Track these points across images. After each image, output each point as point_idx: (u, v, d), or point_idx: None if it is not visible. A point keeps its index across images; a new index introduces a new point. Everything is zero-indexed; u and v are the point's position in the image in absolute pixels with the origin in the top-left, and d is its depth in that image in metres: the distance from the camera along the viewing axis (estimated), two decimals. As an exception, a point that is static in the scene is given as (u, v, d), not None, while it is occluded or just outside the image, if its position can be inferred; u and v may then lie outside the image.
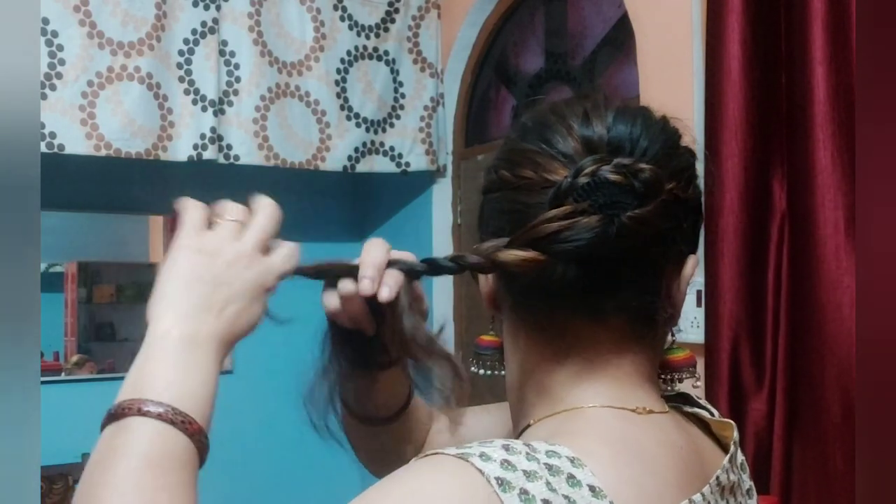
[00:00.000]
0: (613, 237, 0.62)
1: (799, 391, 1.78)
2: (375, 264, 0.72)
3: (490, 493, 0.56)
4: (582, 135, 0.66)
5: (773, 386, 1.84)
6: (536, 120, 0.69)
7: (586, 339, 0.68)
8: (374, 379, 0.84)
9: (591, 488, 0.59)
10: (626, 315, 0.67)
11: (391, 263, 0.73)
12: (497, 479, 0.57)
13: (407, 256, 0.75)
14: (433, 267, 0.72)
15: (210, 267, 0.69)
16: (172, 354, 0.65)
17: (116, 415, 0.63)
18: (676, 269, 0.69)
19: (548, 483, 0.57)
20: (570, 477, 0.59)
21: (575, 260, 0.64)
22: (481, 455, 0.58)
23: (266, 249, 0.72)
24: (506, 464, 0.58)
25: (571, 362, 0.68)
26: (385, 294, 0.71)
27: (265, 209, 0.75)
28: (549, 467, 0.59)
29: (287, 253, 0.73)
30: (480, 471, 0.57)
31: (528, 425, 0.69)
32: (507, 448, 0.59)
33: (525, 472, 0.58)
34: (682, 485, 0.64)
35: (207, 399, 0.65)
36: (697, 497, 0.64)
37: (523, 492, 0.56)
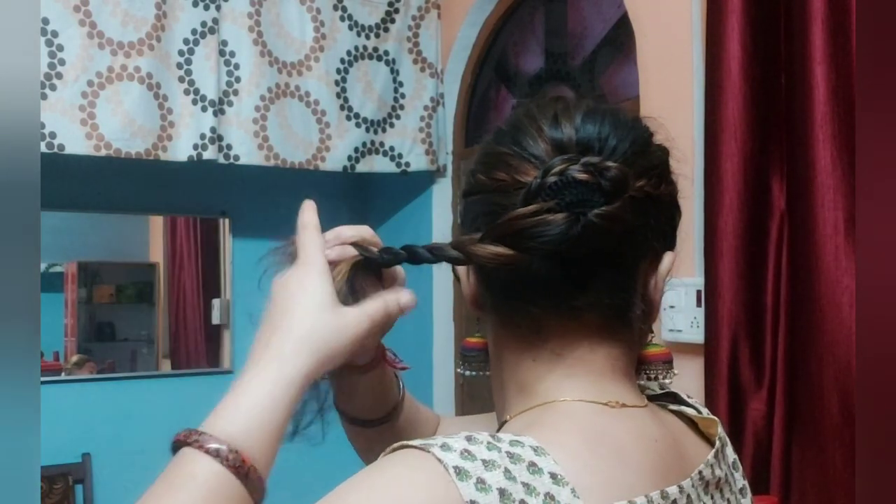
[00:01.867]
0: (580, 234, 0.64)
1: (798, 391, 1.78)
2: (336, 234, 0.77)
3: (448, 481, 0.57)
4: (551, 136, 0.68)
5: (772, 386, 1.84)
6: (510, 123, 0.71)
7: (560, 335, 0.69)
8: (358, 379, 0.86)
9: (553, 475, 0.60)
10: (599, 311, 0.68)
11: (376, 257, 0.75)
12: (455, 468, 0.58)
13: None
14: (413, 256, 0.73)
15: (268, 314, 0.71)
16: (240, 390, 0.67)
17: (178, 441, 0.64)
18: (652, 266, 0.71)
19: (506, 471, 0.59)
20: (532, 465, 0.60)
21: (548, 257, 0.65)
22: (442, 445, 0.60)
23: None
24: (465, 453, 0.59)
25: (546, 358, 0.70)
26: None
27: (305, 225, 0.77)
28: (511, 455, 0.60)
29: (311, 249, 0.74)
30: (440, 460, 0.59)
31: (506, 420, 0.71)
32: (469, 439, 0.61)
33: (484, 461, 0.59)
34: (657, 477, 0.65)
35: (270, 424, 0.66)
36: (673, 489, 0.65)
37: (480, 481, 0.58)
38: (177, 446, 0.64)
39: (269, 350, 0.68)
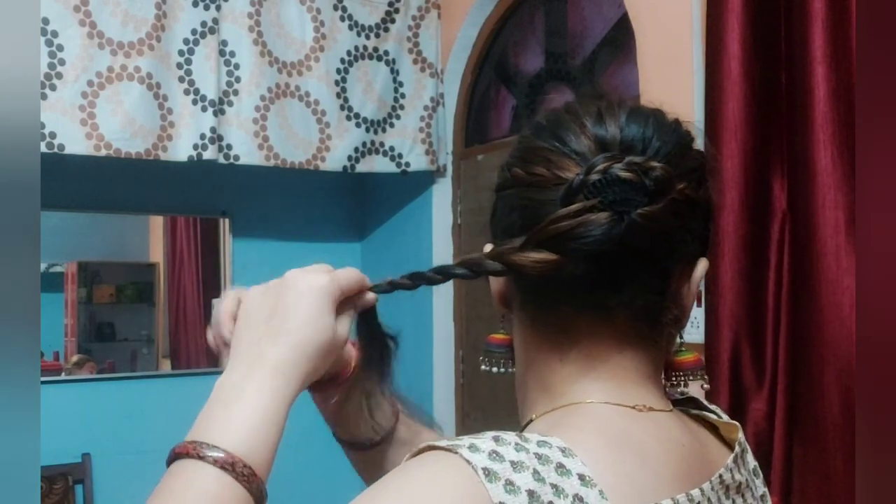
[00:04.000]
0: (623, 234, 0.63)
1: (799, 391, 1.78)
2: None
3: (477, 483, 0.57)
4: (595, 133, 0.66)
5: (773, 386, 1.84)
6: (551, 119, 0.70)
7: (590, 335, 0.68)
8: (343, 396, 0.86)
9: (581, 477, 0.59)
10: (631, 313, 0.67)
11: (392, 284, 0.76)
12: (484, 469, 0.57)
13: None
14: (446, 275, 0.72)
15: (261, 303, 0.72)
16: (235, 397, 0.68)
17: (179, 454, 0.65)
18: (686, 270, 0.70)
19: (535, 472, 0.58)
20: (560, 466, 0.59)
21: (585, 257, 0.64)
22: (470, 447, 0.59)
23: (324, 272, 0.74)
24: (494, 455, 0.59)
25: (574, 358, 0.69)
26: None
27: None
28: (539, 457, 0.59)
29: (345, 270, 0.75)
30: (468, 461, 0.58)
31: (531, 420, 0.70)
32: (496, 439, 0.60)
33: (512, 462, 0.58)
34: (682, 481, 0.65)
35: (269, 436, 0.67)
36: (696, 492, 0.65)
37: (509, 482, 0.57)
38: (176, 457, 0.65)
39: (266, 358, 0.69)
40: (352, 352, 0.85)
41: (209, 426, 0.66)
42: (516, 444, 0.60)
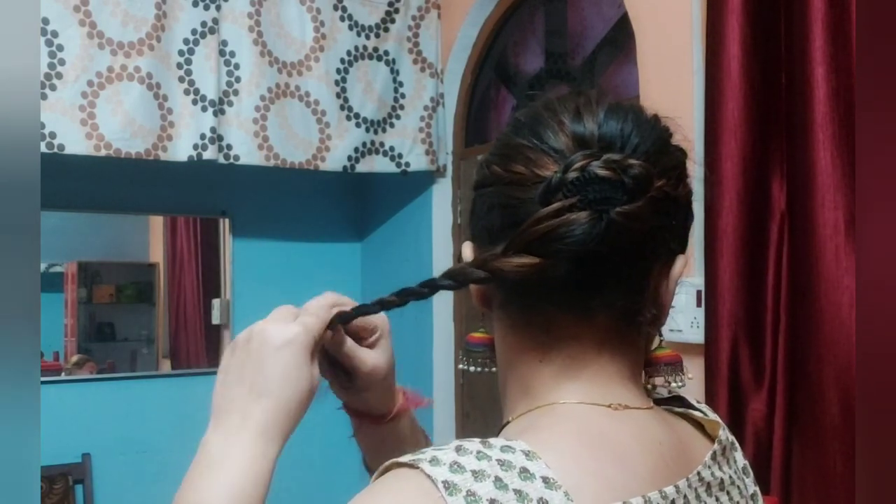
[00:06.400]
0: (603, 233, 0.62)
1: (798, 391, 1.78)
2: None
3: (437, 498, 0.57)
4: (573, 131, 0.66)
5: (772, 386, 1.84)
6: (529, 116, 0.69)
7: (570, 336, 0.68)
8: (382, 431, 0.87)
9: (545, 480, 0.59)
10: (612, 313, 0.67)
11: (381, 303, 0.76)
12: (444, 482, 0.57)
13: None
14: (433, 287, 0.71)
15: (234, 361, 0.73)
16: (221, 459, 0.70)
17: None
18: (665, 268, 0.69)
19: (497, 480, 0.58)
20: (524, 470, 0.59)
21: (566, 258, 0.64)
22: (432, 460, 0.59)
23: (292, 319, 0.75)
24: (455, 466, 0.58)
25: (553, 359, 0.68)
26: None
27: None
28: (502, 463, 0.59)
29: (312, 309, 0.76)
30: (429, 476, 0.58)
31: (508, 422, 0.70)
32: (458, 449, 0.60)
33: (473, 472, 0.58)
34: (658, 478, 0.64)
35: (256, 496, 0.69)
36: (670, 489, 0.64)
37: (470, 493, 0.57)
38: None
39: (249, 420, 0.71)
40: (400, 389, 0.86)
41: (198, 488, 0.68)
42: (478, 452, 0.60)
